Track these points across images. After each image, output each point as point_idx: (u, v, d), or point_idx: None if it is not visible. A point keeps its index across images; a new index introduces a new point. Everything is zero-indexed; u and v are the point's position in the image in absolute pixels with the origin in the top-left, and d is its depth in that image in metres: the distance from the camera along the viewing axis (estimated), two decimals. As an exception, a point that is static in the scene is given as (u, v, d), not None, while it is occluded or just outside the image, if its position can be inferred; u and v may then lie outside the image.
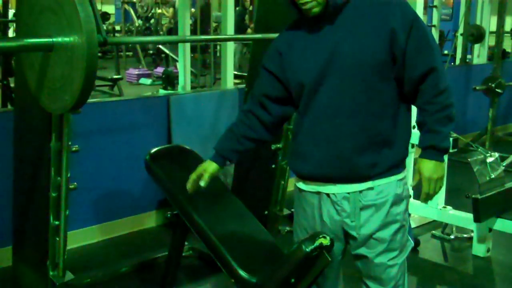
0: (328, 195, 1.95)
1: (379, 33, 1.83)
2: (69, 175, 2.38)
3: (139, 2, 12.11)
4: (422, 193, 2.00)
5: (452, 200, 3.94)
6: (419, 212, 3.99)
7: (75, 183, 2.43)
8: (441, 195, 3.83)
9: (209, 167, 2.06)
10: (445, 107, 1.88)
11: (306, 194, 2.01)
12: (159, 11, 11.67)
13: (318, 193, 1.97)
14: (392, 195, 1.95)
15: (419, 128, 1.95)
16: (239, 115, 2.11)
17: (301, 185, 2.03)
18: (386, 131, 1.90)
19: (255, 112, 2.05)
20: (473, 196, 3.45)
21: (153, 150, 2.89)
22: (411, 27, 1.83)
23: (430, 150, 1.93)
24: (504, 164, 3.70)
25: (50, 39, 1.94)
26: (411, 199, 3.97)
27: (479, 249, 3.64)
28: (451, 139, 3.66)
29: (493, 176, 3.60)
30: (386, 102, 1.90)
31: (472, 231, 3.70)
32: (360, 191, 1.92)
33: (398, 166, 1.96)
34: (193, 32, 7.29)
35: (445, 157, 3.80)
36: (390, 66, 1.86)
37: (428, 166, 1.94)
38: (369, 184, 1.91)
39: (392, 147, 1.92)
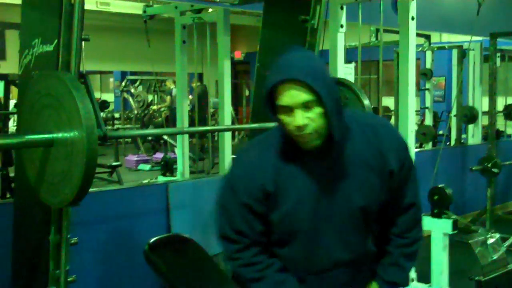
0: None
1: (381, 177, 1.73)
2: (67, 267, 2.36)
3: (135, 97, 12.33)
4: None
5: (455, 281, 3.89)
6: (423, 296, 3.93)
7: (74, 276, 2.40)
8: (444, 277, 3.78)
9: None
10: (416, 241, 1.84)
11: None
12: (153, 107, 11.91)
13: None
14: None
15: (379, 255, 1.86)
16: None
17: None
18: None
19: (260, 255, 1.80)
20: (476, 278, 3.42)
21: (152, 240, 2.89)
22: (404, 161, 1.77)
23: (392, 285, 1.85)
24: (505, 245, 3.68)
25: (51, 135, 1.98)
26: (415, 282, 3.93)
27: (485, 333, 3.56)
28: (450, 221, 3.67)
29: (495, 258, 3.57)
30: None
31: (477, 314, 3.64)
32: None
33: None
34: (191, 118, 7.41)
35: (447, 239, 3.80)
36: None
37: None
38: None
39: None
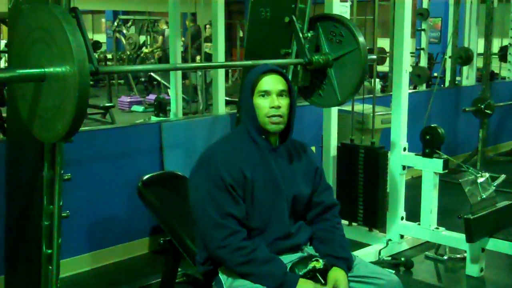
0: None
1: (311, 172, 2.28)
2: (61, 203, 2.38)
3: (127, 39, 12.12)
4: None
5: (444, 221, 3.96)
6: (412, 233, 4.00)
7: (68, 212, 2.43)
8: (433, 216, 3.85)
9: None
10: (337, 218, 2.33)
11: None
12: (145, 50, 11.74)
13: None
14: None
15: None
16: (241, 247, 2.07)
17: None
18: None
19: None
20: (465, 216, 3.47)
21: (145, 177, 2.90)
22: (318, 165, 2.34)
23: (346, 261, 2.17)
24: (495, 184, 3.72)
25: (42, 70, 1.95)
26: (404, 221, 4.00)
27: (472, 269, 3.64)
28: (441, 161, 3.70)
29: (484, 196, 3.62)
30: None
31: (465, 251, 3.72)
32: None
33: None
34: (184, 59, 7.34)
35: (437, 178, 3.84)
36: None
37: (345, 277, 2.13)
38: None
39: None
